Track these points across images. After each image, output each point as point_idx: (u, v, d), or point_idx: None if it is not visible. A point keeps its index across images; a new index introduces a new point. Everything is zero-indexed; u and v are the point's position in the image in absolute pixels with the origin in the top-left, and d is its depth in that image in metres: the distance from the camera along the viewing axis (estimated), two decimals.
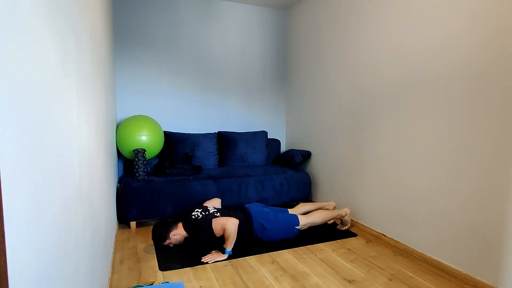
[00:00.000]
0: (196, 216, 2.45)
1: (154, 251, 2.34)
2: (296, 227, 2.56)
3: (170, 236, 2.33)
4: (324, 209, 2.87)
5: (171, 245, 2.39)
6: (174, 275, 2.00)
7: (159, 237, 2.32)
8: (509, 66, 1.71)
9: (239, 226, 2.41)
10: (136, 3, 3.39)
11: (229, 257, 2.24)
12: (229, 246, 2.25)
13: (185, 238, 2.41)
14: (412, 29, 2.28)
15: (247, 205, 2.66)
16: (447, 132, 2.06)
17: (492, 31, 1.79)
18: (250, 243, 2.47)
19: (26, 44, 0.57)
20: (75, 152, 0.98)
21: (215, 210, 2.51)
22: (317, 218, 2.66)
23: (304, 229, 2.67)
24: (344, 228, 2.79)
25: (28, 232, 0.55)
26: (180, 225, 2.41)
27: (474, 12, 1.88)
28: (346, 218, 2.78)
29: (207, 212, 2.47)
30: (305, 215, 2.66)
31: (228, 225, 2.25)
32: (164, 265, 2.11)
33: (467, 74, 1.93)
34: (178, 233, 2.36)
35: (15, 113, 0.51)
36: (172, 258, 2.22)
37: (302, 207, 2.82)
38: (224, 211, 2.52)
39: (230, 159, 3.60)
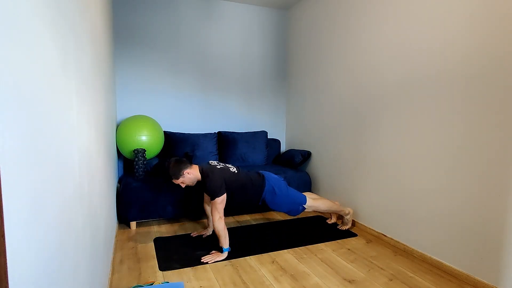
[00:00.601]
0: (214, 165, 2.44)
1: (154, 251, 2.34)
2: (303, 204, 2.59)
3: (183, 173, 2.29)
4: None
5: (183, 186, 2.35)
6: (174, 275, 2.00)
7: (173, 172, 2.28)
8: (509, 66, 1.71)
9: (251, 185, 2.46)
10: (136, 3, 3.39)
11: (229, 257, 2.24)
12: (224, 244, 2.25)
13: (198, 183, 2.40)
14: (412, 29, 2.28)
15: (261, 171, 2.69)
16: (447, 132, 2.06)
17: (492, 31, 1.79)
18: (255, 207, 2.48)
19: (26, 44, 0.57)
20: (75, 152, 0.98)
21: (231, 166, 2.54)
22: (321, 204, 2.68)
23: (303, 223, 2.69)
24: (344, 228, 2.79)
25: (28, 232, 0.55)
26: (195, 166, 2.38)
27: (474, 12, 1.88)
28: (348, 217, 2.79)
29: (225, 165, 2.49)
30: (312, 199, 2.68)
31: (215, 220, 2.23)
32: (164, 265, 2.11)
33: (467, 74, 1.93)
34: (192, 173, 2.33)
35: (15, 113, 0.51)
36: (172, 258, 2.22)
37: (308, 194, 2.82)
38: (240, 169, 2.56)
39: (230, 159, 3.59)
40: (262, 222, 2.99)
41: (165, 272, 2.03)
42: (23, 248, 0.53)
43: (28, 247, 0.55)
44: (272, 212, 3.29)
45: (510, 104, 1.71)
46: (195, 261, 2.17)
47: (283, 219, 3.07)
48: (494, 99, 1.79)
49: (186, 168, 2.31)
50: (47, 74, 0.69)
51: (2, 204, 0.44)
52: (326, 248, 2.43)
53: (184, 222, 2.97)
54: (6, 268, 0.44)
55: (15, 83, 0.51)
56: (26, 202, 0.55)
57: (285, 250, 2.38)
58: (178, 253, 2.30)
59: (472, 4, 1.89)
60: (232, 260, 2.22)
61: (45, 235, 0.64)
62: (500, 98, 1.76)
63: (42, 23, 0.67)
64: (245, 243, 2.47)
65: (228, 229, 2.75)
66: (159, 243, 2.48)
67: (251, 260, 2.22)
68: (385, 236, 2.57)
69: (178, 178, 2.30)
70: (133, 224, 2.80)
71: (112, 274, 1.99)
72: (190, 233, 2.67)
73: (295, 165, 3.53)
